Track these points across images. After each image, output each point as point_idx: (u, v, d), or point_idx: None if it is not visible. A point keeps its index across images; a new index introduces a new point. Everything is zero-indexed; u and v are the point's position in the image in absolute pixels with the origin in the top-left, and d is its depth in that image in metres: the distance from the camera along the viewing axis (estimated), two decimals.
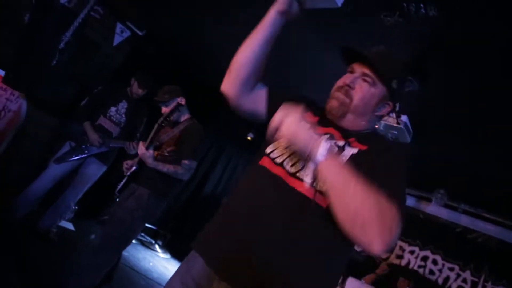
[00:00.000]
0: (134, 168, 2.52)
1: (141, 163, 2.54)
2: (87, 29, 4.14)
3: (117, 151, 3.70)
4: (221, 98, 1.24)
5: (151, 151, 2.43)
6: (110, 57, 4.54)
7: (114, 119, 3.57)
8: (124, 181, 2.57)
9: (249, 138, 5.14)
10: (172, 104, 2.64)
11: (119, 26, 4.45)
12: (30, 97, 3.41)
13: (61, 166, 3.38)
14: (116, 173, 3.45)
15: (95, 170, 3.56)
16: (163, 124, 2.52)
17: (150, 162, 2.41)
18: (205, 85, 4.69)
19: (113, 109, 3.59)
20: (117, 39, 4.46)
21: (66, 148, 3.46)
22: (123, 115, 3.61)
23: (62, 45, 3.96)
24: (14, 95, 3.23)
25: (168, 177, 2.54)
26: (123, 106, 3.63)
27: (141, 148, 2.43)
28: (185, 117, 2.76)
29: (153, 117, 4.93)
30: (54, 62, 3.96)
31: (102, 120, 3.54)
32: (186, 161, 2.50)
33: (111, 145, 3.48)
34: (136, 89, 3.59)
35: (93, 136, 3.42)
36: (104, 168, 3.61)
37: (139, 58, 4.63)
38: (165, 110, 2.68)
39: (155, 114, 5.02)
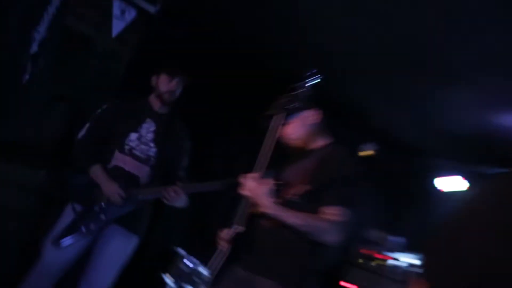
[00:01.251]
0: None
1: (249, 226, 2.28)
2: (70, 18, 4.07)
3: (153, 207, 3.43)
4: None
5: (267, 183, 2.20)
6: (111, 56, 4.39)
7: (138, 153, 3.26)
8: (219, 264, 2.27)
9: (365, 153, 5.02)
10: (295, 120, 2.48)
11: (117, 5, 4.35)
12: None
13: (65, 250, 3.09)
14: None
15: (122, 247, 3.26)
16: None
17: (271, 207, 2.19)
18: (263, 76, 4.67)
19: (133, 136, 3.28)
20: (117, 26, 4.35)
21: (68, 215, 3.16)
22: (151, 143, 3.30)
23: (34, 47, 3.56)
24: None
25: (307, 246, 2.23)
26: (148, 128, 3.33)
27: (252, 178, 2.20)
28: (322, 140, 2.54)
29: (201, 138, 4.43)
30: (26, 77, 3.59)
31: (118, 159, 3.24)
32: (332, 209, 2.20)
33: (140, 197, 3.18)
34: (166, 85, 3.30)
35: (110, 187, 3.14)
36: (134, 241, 3.31)
37: (156, 49, 4.48)
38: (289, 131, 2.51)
39: (204, 128, 4.49)
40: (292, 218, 2.16)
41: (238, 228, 2.27)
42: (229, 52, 4.92)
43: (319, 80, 2.22)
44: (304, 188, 2.27)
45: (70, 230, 3.08)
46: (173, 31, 4.64)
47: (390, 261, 4.33)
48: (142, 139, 3.26)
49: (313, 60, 4.46)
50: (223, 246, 2.36)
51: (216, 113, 4.94)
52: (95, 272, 3.18)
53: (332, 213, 2.16)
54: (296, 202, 2.24)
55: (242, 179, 2.16)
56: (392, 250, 4.58)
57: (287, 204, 2.25)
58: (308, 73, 2.22)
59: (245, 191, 2.16)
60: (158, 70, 3.35)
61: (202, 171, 4.77)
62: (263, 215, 2.19)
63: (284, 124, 2.37)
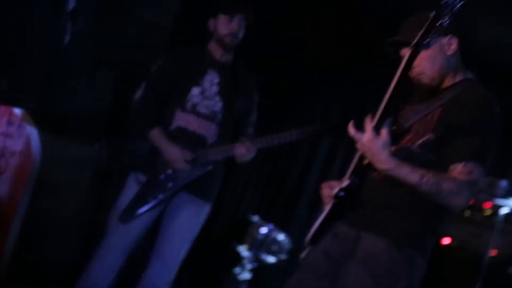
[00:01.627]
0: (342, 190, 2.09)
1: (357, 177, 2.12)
2: None
3: (224, 167, 3.42)
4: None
5: (384, 135, 2.00)
6: (156, 5, 4.29)
7: (203, 110, 3.23)
8: (320, 221, 2.15)
9: None
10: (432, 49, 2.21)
11: None
12: (43, 117, 3.33)
13: (133, 223, 3.15)
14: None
15: (194, 216, 3.29)
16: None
17: (386, 163, 2.02)
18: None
19: (195, 91, 3.24)
20: None
21: (132, 187, 3.21)
22: (216, 97, 3.27)
23: (71, 3, 3.49)
24: (14, 121, 3.11)
25: (425, 204, 2.07)
26: (211, 80, 3.28)
27: (367, 130, 2.01)
28: (457, 76, 2.28)
29: (272, 88, 4.35)
30: (67, 38, 3.54)
31: (181, 118, 3.23)
32: (463, 166, 2.01)
33: (210, 158, 3.18)
34: (226, 26, 3.22)
35: (174, 152, 3.15)
36: (207, 208, 3.34)
37: None
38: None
39: (278, 78, 4.43)
40: (413, 176, 1.97)
41: (345, 182, 2.10)
42: None
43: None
44: (428, 135, 2.07)
45: (136, 203, 3.12)
46: None
47: (503, 210, 4.08)
48: (206, 93, 3.22)
49: None
50: (327, 202, 2.22)
51: (290, 55, 4.74)
52: (167, 243, 3.23)
53: (461, 171, 1.97)
54: (416, 153, 2.07)
55: (351, 132, 1.98)
56: (505, 196, 4.32)
57: (405, 154, 2.08)
58: None
59: (359, 146, 1.99)
60: (215, 11, 3.26)
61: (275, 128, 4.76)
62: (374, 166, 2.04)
63: (415, 55, 2.06)
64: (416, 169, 1.98)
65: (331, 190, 2.15)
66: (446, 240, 4.47)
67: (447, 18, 1.90)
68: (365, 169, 2.05)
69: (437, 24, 1.90)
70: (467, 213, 4.40)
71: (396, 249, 2.00)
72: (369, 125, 1.99)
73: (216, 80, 3.25)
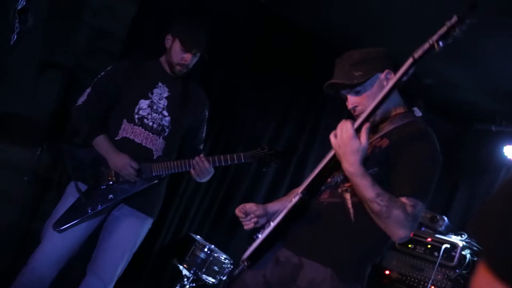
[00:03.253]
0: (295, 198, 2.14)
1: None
2: None
3: (170, 184, 3.44)
4: None
5: (363, 141, 2.00)
6: (111, 12, 4.24)
7: (150, 123, 3.20)
8: (262, 239, 2.15)
9: None
10: (371, 87, 2.26)
11: None
12: None
13: (69, 233, 3.05)
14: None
15: (134, 230, 3.22)
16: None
17: (355, 166, 2.00)
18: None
19: (143, 103, 3.21)
20: None
21: (71, 195, 3.12)
22: (165, 112, 3.24)
23: (21, 1, 3.27)
24: None
25: (369, 233, 2.09)
26: (160, 94, 3.25)
27: (348, 128, 2.01)
28: (398, 108, 2.37)
29: (222, 105, 4.35)
30: (14, 37, 3.31)
31: (127, 129, 3.18)
32: (406, 199, 2.02)
33: (154, 173, 3.14)
34: (179, 55, 3.20)
35: (121, 160, 3.09)
36: (148, 223, 3.28)
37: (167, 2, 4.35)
38: (355, 100, 2.30)
39: (227, 97, 4.43)
40: (371, 190, 1.94)
41: (297, 196, 2.09)
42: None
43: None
44: (373, 168, 2.07)
45: (73, 212, 3.04)
46: None
47: (445, 246, 4.14)
48: (154, 106, 3.18)
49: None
50: (250, 222, 2.29)
51: (240, 75, 4.74)
52: (104, 257, 3.15)
53: (408, 203, 1.97)
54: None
55: (340, 124, 1.97)
56: (446, 233, 4.39)
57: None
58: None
59: (333, 139, 1.97)
60: (175, 31, 3.20)
61: (222, 144, 4.70)
62: (325, 191, 2.09)
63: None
64: (376, 186, 1.96)
65: (250, 208, 2.27)
66: (387, 272, 4.51)
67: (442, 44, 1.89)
68: (318, 186, 2.08)
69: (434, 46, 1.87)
70: (410, 245, 4.46)
71: (338, 279, 1.98)
72: (350, 124, 1.98)
73: (165, 94, 3.21)
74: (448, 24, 1.81)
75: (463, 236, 4.29)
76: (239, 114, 4.74)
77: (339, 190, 2.09)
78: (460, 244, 4.13)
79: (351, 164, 1.94)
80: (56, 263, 3.05)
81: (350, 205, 2.04)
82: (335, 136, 1.96)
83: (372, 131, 2.19)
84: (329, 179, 2.14)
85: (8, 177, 3.90)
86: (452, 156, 5.57)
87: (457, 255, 4.09)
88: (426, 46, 1.84)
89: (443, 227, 4.45)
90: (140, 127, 3.14)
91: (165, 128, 3.19)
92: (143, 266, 4.35)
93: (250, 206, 2.37)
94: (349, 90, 2.17)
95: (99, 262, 3.14)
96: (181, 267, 4.14)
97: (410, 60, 1.86)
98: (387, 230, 1.98)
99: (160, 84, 3.22)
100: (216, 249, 4.19)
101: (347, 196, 2.05)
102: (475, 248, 4.17)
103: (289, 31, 4.70)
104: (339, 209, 2.04)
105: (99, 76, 3.22)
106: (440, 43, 1.82)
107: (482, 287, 1.09)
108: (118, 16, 4.27)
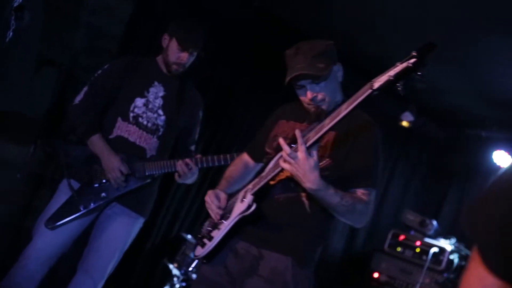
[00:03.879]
0: (251, 209, 2.17)
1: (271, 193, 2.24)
2: None
3: (162, 184, 3.41)
4: None
5: (315, 157, 2.04)
6: (108, 11, 4.24)
7: (145, 122, 3.19)
8: (218, 240, 2.23)
9: (404, 123, 5.26)
10: (329, 79, 2.31)
11: None
12: None
13: (60, 231, 3.05)
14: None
15: (125, 229, 3.21)
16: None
17: (316, 183, 2.05)
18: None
19: (139, 102, 3.20)
20: None
21: (63, 193, 3.11)
22: (160, 111, 3.23)
23: None
24: None
25: (322, 220, 2.27)
26: (156, 93, 3.24)
27: (301, 150, 2.02)
28: (339, 98, 2.41)
29: (217, 107, 4.37)
30: (9, 34, 3.37)
31: (122, 128, 3.18)
32: (363, 190, 2.21)
33: (147, 173, 3.13)
34: (176, 54, 3.18)
35: (112, 161, 3.08)
36: (139, 222, 3.27)
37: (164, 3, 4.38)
38: (315, 91, 2.31)
39: (222, 98, 4.45)
40: (335, 197, 2.06)
41: (248, 202, 2.18)
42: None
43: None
44: (325, 160, 2.18)
45: (66, 209, 3.04)
46: None
47: (434, 250, 4.20)
48: (150, 105, 3.18)
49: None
50: (216, 212, 2.30)
51: (234, 78, 4.78)
52: (95, 255, 3.14)
53: (365, 193, 2.16)
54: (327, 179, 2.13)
55: (287, 150, 1.98)
56: (435, 237, 4.45)
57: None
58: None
59: (285, 165, 2.01)
60: (171, 30, 3.19)
61: (215, 146, 4.73)
62: (277, 187, 2.17)
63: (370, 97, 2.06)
64: (338, 191, 2.07)
65: (218, 202, 2.27)
66: (375, 274, 4.56)
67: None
68: (269, 188, 2.17)
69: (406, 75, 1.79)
70: (398, 249, 4.51)
71: (299, 267, 2.12)
72: (303, 146, 2.00)
73: (161, 93, 3.21)
74: (406, 64, 1.76)
75: (452, 240, 4.35)
76: (234, 115, 4.77)
77: (292, 184, 2.14)
78: (449, 248, 4.20)
79: (313, 183, 2.00)
80: (47, 260, 3.05)
81: (304, 198, 2.14)
82: (284, 160, 2.00)
83: (314, 119, 2.25)
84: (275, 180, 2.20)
85: (1, 173, 3.90)
86: (442, 161, 5.66)
87: (445, 259, 4.15)
88: (384, 79, 1.79)
89: (432, 231, 4.51)
90: (135, 126, 3.13)
91: (160, 127, 3.18)
92: (133, 265, 4.37)
93: (224, 198, 2.36)
94: (311, 81, 2.19)
95: (90, 260, 3.13)
96: (171, 266, 4.16)
97: (368, 91, 1.84)
98: (352, 222, 2.19)
99: (156, 83, 3.20)
100: None
101: (301, 189, 2.11)
102: (463, 253, 4.23)
103: (286, 33, 4.72)
104: (295, 202, 2.14)
105: (96, 74, 3.21)
106: (401, 83, 1.78)
107: (473, 280, 1.12)
108: (115, 15, 4.28)
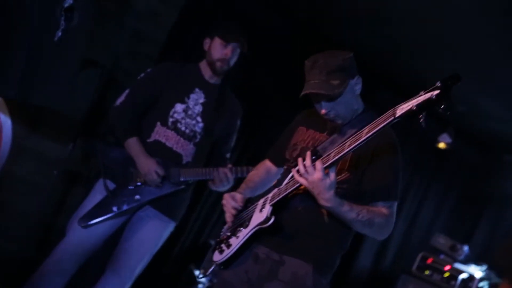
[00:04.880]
0: (269, 222, 2.17)
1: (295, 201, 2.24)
2: None
3: (194, 190, 3.43)
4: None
5: (332, 177, 2.06)
6: (151, 17, 4.26)
7: (183, 128, 3.21)
8: (237, 248, 2.24)
9: (441, 145, 5.20)
10: (346, 93, 2.26)
11: None
12: (20, 108, 3.34)
13: (92, 230, 3.09)
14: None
15: (156, 232, 3.24)
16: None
17: (330, 202, 2.09)
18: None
19: (179, 108, 3.22)
20: None
21: (98, 193, 3.15)
22: (199, 118, 3.24)
23: (68, 0, 3.40)
24: None
25: (340, 231, 2.25)
26: (197, 100, 3.26)
27: (318, 169, 2.05)
28: (359, 108, 2.37)
29: (255, 116, 4.38)
30: (58, 34, 3.44)
31: (160, 132, 3.20)
32: (383, 203, 2.20)
33: (182, 179, 3.15)
34: (220, 51, 3.19)
35: (146, 163, 3.11)
36: (171, 227, 3.30)
37: (206, 11, 4.43)
38: (329, 106, 2.28)
39: (262, 105, 4.44)
40: (351, 213, 2.10)
41: (268, 212, 2.19)
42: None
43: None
44: (344, 173, 2.20)
45: (100, 209, 3.07)
46: None
47: (463, 276, 4.15)
48: (189, 111, 3.19)
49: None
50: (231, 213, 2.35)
51: (274, 90, 4.79)
52: (125, 256, 3.16)
53: (385, 206, 2.17)
54: (343, 194, 2.15)
55: (301, 166, 2.04)
56: (465, 262, 4.39)
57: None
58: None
59: (302, 180, 2.05)
60: (213, 32, 3.23)
61: (249, 154, 4.74)
62: (296, 198, 2.19)
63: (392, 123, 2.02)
64: (353, 206, 2.10)
65: (235, 203, 2.34)
66: None
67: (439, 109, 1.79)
68: (287, 201, 2.18)
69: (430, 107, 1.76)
70: (427, 272, 4.46)
71: (319, 274, 2.15)
72: (319, 164, 2.03)
73: (202, 100, 3.22)
74: (430, 96, 1.75)
75: (482, 267, 4.28)
76: (269, 126, 4.78)
77: (310, 195, 2.12)
78: (479, 275, 4.12)
79: (327, 201, 2.04)
80: (78, 258, 3.08)
81: (323, 208, 2.12)
82: (299, 172, 2.04)
83: (333, 131, 2.27)
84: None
85: (39, 168, 3.95)
86: (478, 186, 5.57)
87: (474, 286, 4.09)
88: (407, 108, 1.79)
89: (462, 256, 4.45)
90: (173, 131, 3.15)
91: (197, 134, 3.19)
92: (160, 268, 4.38)
93: (240, 198, 2.40)
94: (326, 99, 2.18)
95: (119, 261, 3.15)
96: (197, 272, 4.19)
97: (390, 118, 1.85)
98: (373, 236, 2.22)
99: (197, 89, 3.22)
100: None
101: None
102: (493, 281, 4.16)
103: (326, 46, 4.74)
104: (313, 211, 2.14)
105: (139, 78, 3.25)
106: (423, 114, 1.77)
107: None
108: (159, 21, 4.32)
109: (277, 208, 2.20)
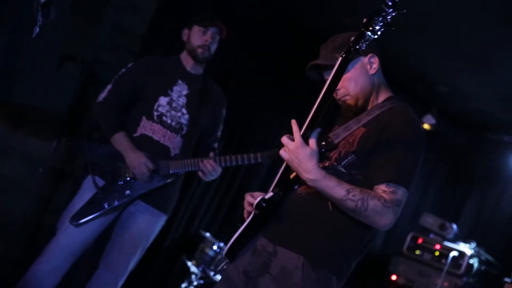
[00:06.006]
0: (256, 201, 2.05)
1: (285, 185, 2.09)
2: None
3: (183, 181, 3.39)
4: None
5: (312, 144, 1.95)
6: (132, 9, 4.24)
7: (169, 120, 3.20)
8: (237, 234, 2.13)
9: (426, 126, 5.20)
10: (352, 70, 2.16)
11: None
12: (1, 108, 3.42)
13: (84, 227, 3.05)
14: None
15: (148, 226, 3.23)
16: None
17: (313, 173, 1.95)
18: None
19: (163, 101, 3.21)
20: None
21: (88, 190, 3.12)
22: (183, 109, 3.23)
23: None
24: None
25: (347, 222, 2.03)
26: (180, 92, 3.25)
27: (296, 138, 1.94)
28: (381, 95, 2.25)
29: (239, 103, 4.36)
30: (36, 30, 3.24)
31: (146, 126, 3.19)
32: (385, 186, 1.97)
33: (171, 171, 3.14)
34: (199, 38, 3.21)
35: (135, 157, 3.09)
36: (162, 220, 3.30)
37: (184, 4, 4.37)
38: None
39: (247, 96, 4.43)
40: (339, 190, 1.90)
41: (268, 193, 2.04)
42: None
43: (401, 12, 1.81)
44: (351, 155, 2.03)
45: (90, 206, 3.04)
46: None
47: (453, 253, 4.19)
48: (173, 104, 3.18)
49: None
50: (248, 211, 2.15)
51: (257, 77, 4.79)
52: (117, 251, 3.15)
53: (387, 190, 1.93)
54: (342, 173, 2.01)
55: (283, 140, 1.90)
56: (454, 240, 4.45)
57: (332, 173, 2.01)
58: (390, 1, 1.78)
59: (284, 154, 1.91)
60: (190, 22, 3.23)
61: (236, 142, 4.74)
62: (300, 181, 1.97)
63: (346, 63, 1.95)
64: (343, 183, 1.92)
65: (253, 199, 2.10)
66: (393, 277, 4.56)
67: (379, 27, 1.80)
68: (290, 182, 2.01)
69: (369, 29, 1.81)
70: (417, 252, 4.50)
71: (311, 267, 1.93)
72: (297, 133, 1.92)
73: (185, 91, 3.21)
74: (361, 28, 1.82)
75: (471, 244, 4.34)
76: (254, 113, 4.79)
77: None
78: (469, 252, 4.17)
79: (309, 172, 1.90)
80: (70, 256, 3.06)
81: (320, 196, 1.96)
82: (286, 145, 1.91)
83: (358, 113, 2.14)
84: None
85: (24, 167, 3.91)
86: (463, 165, 5.63)
87: (465, 263, 4.13)
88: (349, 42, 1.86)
89: (451, 235, 4.49)
90: (159, 125, 3.14)
91: (183, 126, 3.18)
92: (152, 261, 4.38)
93: (259, 195, 2.18)
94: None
95: (112, 256, 3.14)
96: (189, 263, 4.17)
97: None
98: (368, 222, 1.95)
99: (180, 81, 3.21)
100: (225, 247, 4.22)
101: None
102: (483, 257, 4.22)
103: (308, 33, 4.71)
104: (317, 198, 1.96)
105: (120, 73, 3.22)
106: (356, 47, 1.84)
107: None
108: (138, 13, 4.28)
109: (283, 195, 2.04)
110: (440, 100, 5.14)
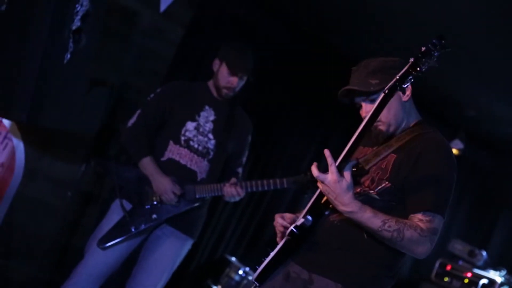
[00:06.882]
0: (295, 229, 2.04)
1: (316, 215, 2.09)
2: None
3: (208, 206, 3.43)
4: None
5: (348, 177, 1.95)
6: (158, 34, 4.31)
7: (196, 145, 3.22)
8: (269, 259, 2.12)
9: (454, 151, 4.87)
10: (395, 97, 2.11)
11: None
12: (32, 131, 3.35)
13: (111, 250, 3.09)
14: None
15: (174, 250, 3.25)
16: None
17: (349, 205, 1.96)
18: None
19: (190, 125, 3.24)
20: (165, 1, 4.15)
21: (115, 213, 3.15)
22: (210, 135, 3.26)
23: (76, 22, 3.46)
24: (1, 132, 3.06)
25: (382, 249, 2.04)
26: (207, 117, 3.28)
27: (332, 171, 1.93)
28: (411, 120, 2.26)
29: (265, 131, 4.38)
30: (67, 56, 3.45)
31: (173, 151, 3.21)
32: (422, 215, 1.98)
33: (197, 195, 3.16)
34: (226, 79, 3.21)
35: (162, 182, 3.12)
36: (188, 244, 3.32)
37: (213, 28, 4.42)
38: (370, 109, 2.13)
39: (272, 122, 4.46)
40: (375, 221, 1.93)
41: (300, 219, 2.04)
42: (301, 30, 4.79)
43: (447, 51, 1.86)
44: (384, 183, 2.04)
45: (117, 230, 3.07)
46: (235, 5, 4.49)
47: (483, 281, 4.13)
48: (200, 129, 3.21)
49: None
50: (279, 232, 2.16)
51: (282, 103, 4.83)
52: (144, 275, 3.17)
53: (423, 219, 1.94)
54: (376, 199, 2.03)
55: (316, 173, 1.90)
56: (484, 268, 4.37)
57: (365, 199, 2.03)
58: (437, 41, 1.83)
59: (320, 186, 1.93)
60: (223, 54, 3.23)
61: (261, 167, 4.75)
62: (332, 207, 1.99)
63: (387, 99, 1.95)
64: (379, 214, 1.93)
65: (283, 220, 2.13)
66: None
67: (425, 68, 1.84)
68: (321, 209, 2.03)
69: (416, 70, 1.84)
70: (446, 279, 4.43)
71: None
72: (332, 166, 1.92)
73: (212, 117, 3.23)
74: (407, 67, 1.84)
75: (502, 271, 4.26)
76: (279, 139, 4.80)
77: None
78: (499, 280, 4.10)
79: (346, 205, 1.91)
80: (97, 279, 3.08)
81: (353, 223, 1.97)
82: (322, 179, 1.91)
83: (374, 142, 2.18)
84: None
85: (52, 190, 3.96)
86: (492, 190, 5.54)
87: None
88: (392, 82, 1.86)
89: (481, 262, 4.42)
90: (186, 149, 3.16)
91: (210, 151, 3.20)
92: (178, 285, 4.37)
93: (289, 217, 2.23)
94: (365, 98, 2.09)
95: (138, 280, 3.16)
96: (215, 287, 4.19)
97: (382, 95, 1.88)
98: (404, 251, 1.97)
99: (207, 107, 3.24)
100: (251, 271, 4.18)
101: None
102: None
103: (334, 60, 4.75)
104: (351, 226, 1.97)
105: (148, 98, 3.26)
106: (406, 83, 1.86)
107: None
108: (166, 38, 4.35)
109: (314, 222, 2.05)
110: (468, 123, 5.09)
